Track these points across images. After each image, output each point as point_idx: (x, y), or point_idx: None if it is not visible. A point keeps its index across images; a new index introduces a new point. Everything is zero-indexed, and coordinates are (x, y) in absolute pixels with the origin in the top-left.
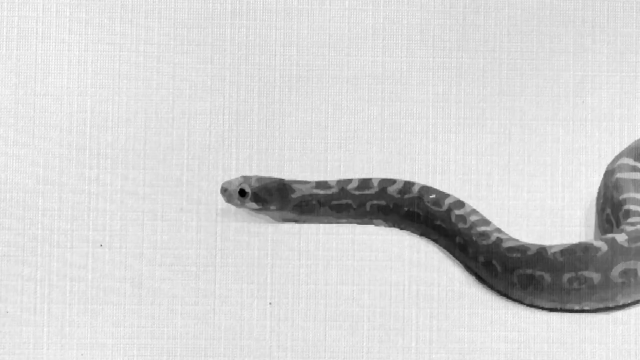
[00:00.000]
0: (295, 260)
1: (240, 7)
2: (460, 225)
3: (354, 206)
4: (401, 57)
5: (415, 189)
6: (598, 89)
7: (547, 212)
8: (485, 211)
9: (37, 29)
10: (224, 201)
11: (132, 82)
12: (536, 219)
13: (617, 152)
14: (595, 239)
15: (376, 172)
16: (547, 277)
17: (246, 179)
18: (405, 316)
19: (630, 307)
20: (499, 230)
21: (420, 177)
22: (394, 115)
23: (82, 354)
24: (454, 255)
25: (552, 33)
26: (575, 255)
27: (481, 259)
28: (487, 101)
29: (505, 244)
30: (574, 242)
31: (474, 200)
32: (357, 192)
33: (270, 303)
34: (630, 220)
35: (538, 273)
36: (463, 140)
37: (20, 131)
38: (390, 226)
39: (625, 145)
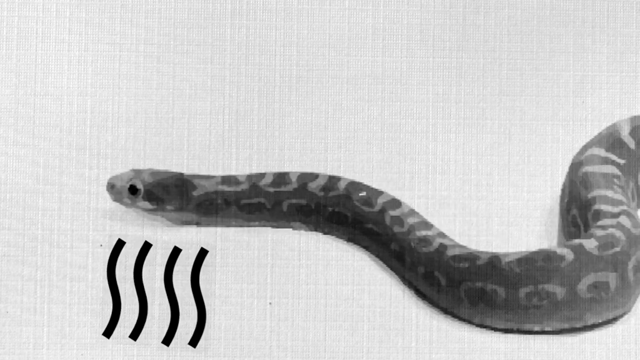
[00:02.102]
0: (295, 260)
1: (240, 7)
2: (396, 229)
3: (268, 206)
4: (401, 57)
5: (342, 185)
6: (598, 89)
7: (547, 212)
8: (485, 211)
9: (37, 29)
10: (111, 200)
11: (132, 82)
12: (536, 219)
13: None
14: (559, 245)
15: (376, 172)
16: (501, 291)
17: (137, 173)
18: (405, 316)
19: (601, 328)
20: (442, 235)
21: (420, 177)
22: (394, 115)
23: (82, 354)
24: (389, 265)
25: (552, 33)
26: (535, 266)
27: (421, 269)
28: (487, 101)
29: (450, 252)
30: (533, 249)
31: (473, 201)
32: (271, 189)
33: (270, 303)
34: (600, 222)
35: (490, 287)
36: (463, 140)
37: (20, 131)
38: (311, 230)
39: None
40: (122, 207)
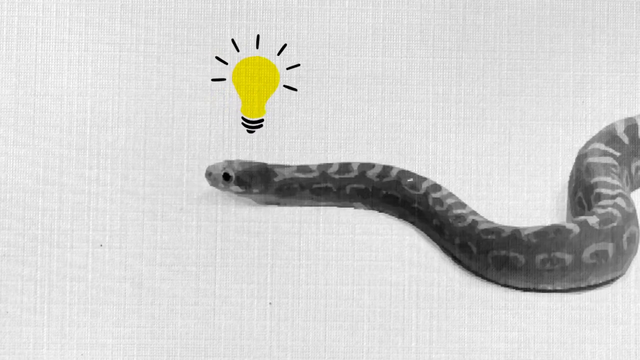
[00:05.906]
0: (295, 260)
1: (240, 7)
2: (437, 208)
3: (334, 189)
4: (401, 57)
5: (394, 172)
6: (598, 89)
7: (547, 212)
8: (485, 211)
9: (37, 29)
10: (208, 185)
11: (132, 82)
12: (536, 219)
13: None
14: (568, 221)
15: None
16: (521, 258)
17: (230, 163)
18: (405, 316)
19: (601, 288)
20: (474, 213)
21: None
22: (394, 115)
23: (82, 354)
24: (431, 237)
25: (552, 33)
26: (548, 237)
27: (457, 240)
28: (487, 101)
29: (480, 226)
30: (547, 224)
31: (473, 200)
32: (337, 176)
33: (270, 303)
34: (601, 203)
35: (512, 254)
36: (463, 140)
37: (20, 131)
38: (369, 209)
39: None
40: (121, 208)
